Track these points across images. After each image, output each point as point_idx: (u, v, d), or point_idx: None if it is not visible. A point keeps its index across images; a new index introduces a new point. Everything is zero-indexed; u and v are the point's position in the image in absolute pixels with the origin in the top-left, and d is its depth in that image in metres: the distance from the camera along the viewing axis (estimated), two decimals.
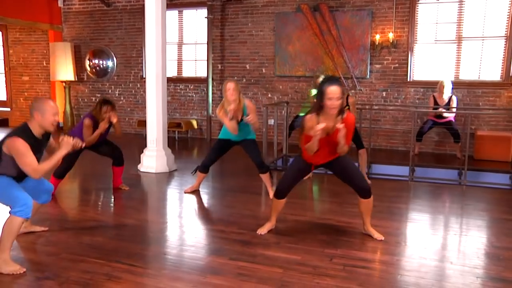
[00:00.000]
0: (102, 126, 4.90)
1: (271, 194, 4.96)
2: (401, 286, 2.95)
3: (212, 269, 3.14)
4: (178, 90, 9.79)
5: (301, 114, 7.55)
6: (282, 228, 4.01)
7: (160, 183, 5.72)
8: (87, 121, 4.81)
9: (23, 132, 3.06)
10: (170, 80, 9.71)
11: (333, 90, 3.36)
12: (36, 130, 3.12)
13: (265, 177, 4.97)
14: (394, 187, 5.62)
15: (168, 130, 9.16)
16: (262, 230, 3.85)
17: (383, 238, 3.75)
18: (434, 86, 7.97)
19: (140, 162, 6.34)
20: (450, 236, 3.92)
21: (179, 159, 6.94)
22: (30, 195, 3.24)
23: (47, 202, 3.59)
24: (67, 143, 3.17)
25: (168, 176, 6.07)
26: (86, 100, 10.55)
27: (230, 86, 4.73)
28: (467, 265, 3.29)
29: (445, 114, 7.24)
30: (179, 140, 9.28)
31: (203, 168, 5.11)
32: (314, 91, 7.65)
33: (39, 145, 3.18)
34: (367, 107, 8.18)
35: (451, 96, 7.29)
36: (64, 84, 10.16)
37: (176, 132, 9.31)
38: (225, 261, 3.27)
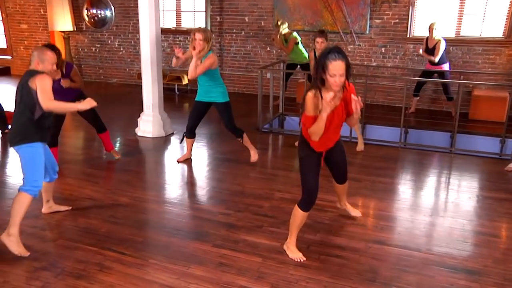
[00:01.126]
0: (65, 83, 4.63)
1: (253, 155, 5.17)
2: (368, 278, 3.19)
3: (195, 258, 3.39)
4: (178, 42, 9.72)
5: (289, 62, 7.65)
6: (267, 208, 4.24)
7: (155, 150, 5.92)
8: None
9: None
10: (169, 31, 9.67)
11: (336, 66, 2.87)
12: None
13: (241, 140, 5.16)
14: (383, 155, 5.77)
15: (168, 83, 9.28)
16: (299, 256, 3.38)
17: (360, 215, 3.98)
18: None
19: (137, 125, 6.50)
20: (427, 218, 4.10)
21: (178, 116, 7.10)
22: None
23: (53, 180, 3.80)
24: (89, 102, 3.37)
25: (164, 141, 6.26)
26: (86, 50, 10.53)
27: (198, 36, 4.70)
28: (436, 253, 3.51)
29: (424, 54, 7.14)
30: (179, 93, 9.37)
31: (189, 133, 5.27)
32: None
33: None
34: (365, 62, 8.19)
35: (439, 40, 7.05)
36: (63, 34, 10.11)
37: (176, 85, 9.37)
38: (208, 248, 3.52)
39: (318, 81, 3.01)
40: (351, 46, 8.37)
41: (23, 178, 3.36)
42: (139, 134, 6.41)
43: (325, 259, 3.41)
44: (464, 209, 4.33)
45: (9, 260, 3.31)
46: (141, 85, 8.54)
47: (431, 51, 7.08)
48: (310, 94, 3.04)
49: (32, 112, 3.29)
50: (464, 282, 3.16)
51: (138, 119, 6.48)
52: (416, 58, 8.09)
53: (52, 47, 4.64)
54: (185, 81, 9.22)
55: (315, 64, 3.06)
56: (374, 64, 8.31)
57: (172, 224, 3.94)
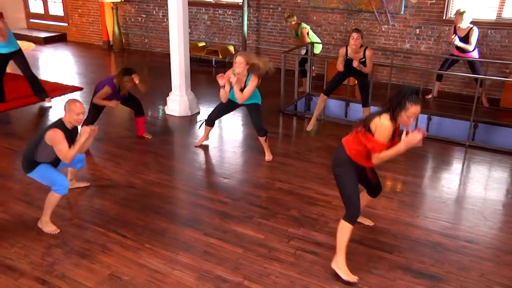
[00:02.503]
0: (112, 104, 5.47)
1: (268, 156, 5.47)
2: (334, 276, 3.50)
3: (185, 245, 3.85)
4: (217, 15, 9.98)
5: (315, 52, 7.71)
6: (263, 198, 4.61)
7: (180, 130, 6.40)
8: (106, 89, 5.36)
9: (60, 125, 3.81)
10: (209, 4, 9.95)
11: (417, 110, 3.16)
12: (68, 124, 3.84)
13: (262, 140, 5.44)
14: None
15: (207, 56, 9.69)
16: (352, 277, 3.46)
17: (372, 224, 4.16)
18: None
19: (166, 103, 6.98)
20: (410, 219, 4.30)
21: (211, 90, 7.47)
22: (69, 165, 4.19)
23: (82, 167, 4.48)
24: (85, 132, 3.82)
25: (190, 120, 6.71)
26: (133, 19, 11.04)
27: (238, 59, 5.00)
28: (406, 256, 3.76)
29: (460, 44, 6.93)
30: (216, 66, 9.73)
31: (209, 122, 5.64)
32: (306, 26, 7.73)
33: (71, 136, 3.88)
34: (399, 43, 8.11)
35: (472, 28, 6.89)
36: (112, 5, 10.64)
37: (214, 58, 9.71)
38: (199, 237, 3.97)
39: (393, 115, 3.19)
40: (385, 26, 8.29)
41: None
42: (167, 112, 6.89)
43: (300, 255, 3.76)
44: (451, 210, 4.48)
45: (33, 237, 3.93)
46: None
47: (463, 40, 6.92)
48: (387, 124, 3.20)
49: (33, 154, 3.84)
50: (415, 285, 3.42)
51: (167, 98, 6.94)
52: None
53: (129, 71, 5.43)
54: (222, 54, 9.55)
55: (393, 99, 3.20)
56: (408, 45, 8.21)
57: (174, 210, 4.42)
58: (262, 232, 4.05)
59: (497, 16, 7.58)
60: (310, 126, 6.40)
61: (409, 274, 3.56)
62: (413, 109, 3.14)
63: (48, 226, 3.99)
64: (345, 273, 3.46)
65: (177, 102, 6.79)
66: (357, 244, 3.90)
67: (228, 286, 3.41)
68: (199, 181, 5.03)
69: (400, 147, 3.19)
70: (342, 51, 5.98)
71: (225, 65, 9.82)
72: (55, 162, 3.96)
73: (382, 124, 3.21)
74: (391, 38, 8.33)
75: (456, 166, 5.58)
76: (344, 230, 3.44)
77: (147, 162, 5.38)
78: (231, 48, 9.84)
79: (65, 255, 3.70)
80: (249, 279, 3.48)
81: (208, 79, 8.79)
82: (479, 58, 7.13)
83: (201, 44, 10.04)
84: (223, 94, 5.25)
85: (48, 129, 3.79)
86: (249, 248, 3.84)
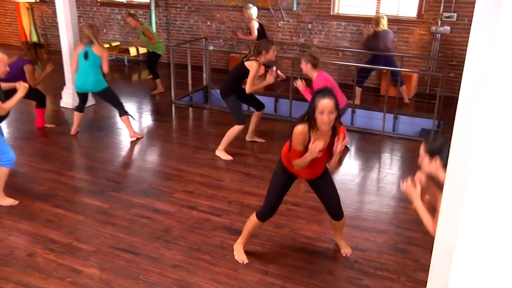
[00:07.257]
0: (48, 68, 5.86)
1: (131, 134, 5.82)
2: (158, 236, 3.89)
3: (30, 215, 4.17)
4: None
5: (159, 52, 7.93)
6: (122, 175, 5.03)
7: (68, 120, 6.66)
8: (30, 67, 5.64)
9: None
10: (121, 4, 10.29)
11: (324, 103, 2.97)
12: None
13: (124, 119, 5.81)
14: (268, 129, 6.35)
15: (118, 55, 10.00)
16: (242, 258, 3.64)
17: (350, 253, 3.75)
18: (355, 21, 8.32)
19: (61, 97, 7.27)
20: (248, 188, 4.77)
21: (120, 86, 7.81)
22: None
23: None
24: (24, 88, 4.25)
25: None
26: (50, 20, 11.24)
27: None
28: (228, 219, 4.20)
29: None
30: (129, 64, 10.05)
31: (78, 109, 6.07)
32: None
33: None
34: (294, 38, 8.65)
35: (252, 20, 7.97)
36: (27, 5, 10.81)
37: (125, 57, 10.04)
38: (47, 208, 4.30)
39: (311, 120, 3.08)
40: (281, 22, 8.84)
41: None
42: (61, 105, 7.18)
43: (135, 220, 4.15)
44: None
45: None
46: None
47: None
48: (299, 129, 3.12)
49: None
50: (230, 241, 3.83)
51: (62, 92, 7.23)
52: (339, 34, 8.52)
53: (40, 45, 5.84)
54: (133, 53, 9.89)
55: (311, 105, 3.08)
56: (302, 39, 8.78)
57: (33, 187, 4.69)
58: (108, 203, 4.41)
59: (376, 12, 8.24)
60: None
61: (227, 232, 3.99)
62: (320, 103, 2.99)
63: (5, 200, 4.33)
64: (238, 254, 3.66)
65: (70, 95, 7.08)
66: (191, 210, 4.32)
67: (57, 246, 3.76)
68: (68, 163, 5.35)
69: (306, 156, 3.14)
70: (257, 66, 5.14)
71: (139, 63, 10.16)
72: None
73: (294, 131, 3.16)
74: (287, 33, 8.87)
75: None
76: (252, 222, 3.59)
77: (26, 148, 5.65)
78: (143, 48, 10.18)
79: None
80: (79, 240, 3.84)
81: (120, 77, 9.15)
82: None
83: (115, 43, 10.35)
84: None
85: None
86: (90, 215, 4.20)
